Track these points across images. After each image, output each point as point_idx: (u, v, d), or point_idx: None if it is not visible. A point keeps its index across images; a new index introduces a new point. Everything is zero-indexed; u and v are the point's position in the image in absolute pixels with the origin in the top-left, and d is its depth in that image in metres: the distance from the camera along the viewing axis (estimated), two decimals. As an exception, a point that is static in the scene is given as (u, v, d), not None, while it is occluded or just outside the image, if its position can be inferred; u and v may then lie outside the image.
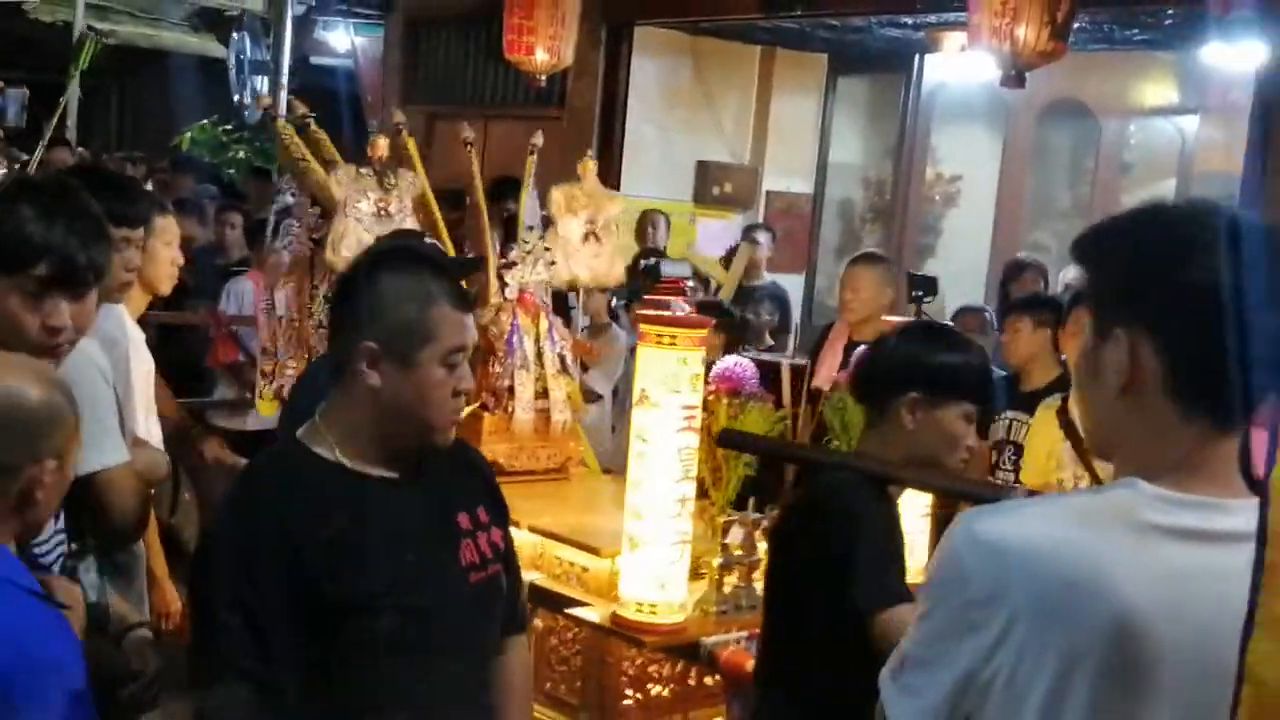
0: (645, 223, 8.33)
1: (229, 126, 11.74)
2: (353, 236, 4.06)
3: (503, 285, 4.26)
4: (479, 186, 4.44)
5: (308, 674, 2.06)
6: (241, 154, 11.53)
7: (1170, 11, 6.86)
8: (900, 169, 9.37)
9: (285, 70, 11.37)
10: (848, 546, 2.56)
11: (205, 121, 11.84)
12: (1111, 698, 1.42)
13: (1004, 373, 5.46)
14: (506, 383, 4.23)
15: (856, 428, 3.35)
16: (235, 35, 11.63)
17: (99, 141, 12.72)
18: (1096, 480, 4.12)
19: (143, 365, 3.47)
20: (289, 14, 11.28)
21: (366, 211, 4.12)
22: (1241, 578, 1.20)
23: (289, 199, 4.30)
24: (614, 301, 6.25)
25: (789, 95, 9.43)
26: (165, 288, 3.78)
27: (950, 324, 3.61)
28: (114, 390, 2.86)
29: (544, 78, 8.33)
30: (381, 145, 4.27)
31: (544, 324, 4.35)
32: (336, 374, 2.21)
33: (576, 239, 4.50)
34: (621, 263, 4.75)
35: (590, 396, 6.01)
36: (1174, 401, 1.46)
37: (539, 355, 4.32)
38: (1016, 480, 4.74)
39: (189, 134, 12.14)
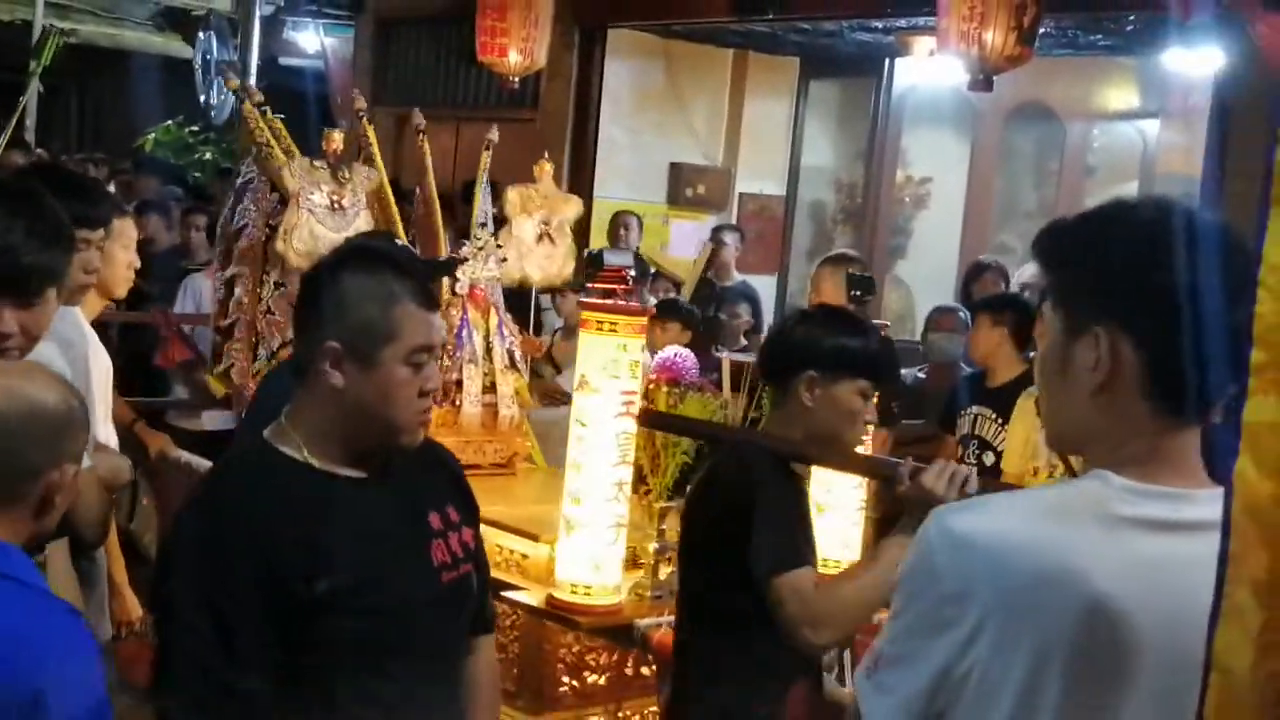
0: (617, 224, 8.44)
1: (195, 128, 11.72)
2: (305, 228, 4.13)
3: (454, 281, 4.31)
4: (431, 180, 4.48)
5: (276, 675, 2.07)
6: (208, 155, 11.50)
7: (1132, 17, 6.97)
8: (871, 171, 9.48)
9: (253, 71, 11.38)
10: (746, 514, 2.69)
11: (170, 122, 11.81)
12: (1084, 689, 1.44)
13: (972, 370, 5.59)
14: (455, 376, 4.29)
15: None
16: (201, 35, 11.62)
17: (59, 143, 12.66)
18: (1071, 470, 4.22)
19: (101, 369, 3.44)
20: (257, 14, 11.28)
21: (319, 204, 4.18)
22: (1207, 567, 1.22)
23: (249, 175, 4.36)
24: None
25: (761, 98, 9.55)
26: (121, 291, 3.78)
27: (847, 308, 3.78)
28: None
29: (517, 80, 8.39)
30: (336, 139, 4.33)
31: (493, 320, 4.43)
32: (300, 374, 2.22)
33: (531, 239, 4.60)
34: (573, 263, 4.84)
35: (563, 398, 6.10)
36: (1147, 397, 1.49)
37: (488, 350, 4.40)
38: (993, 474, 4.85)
39: (153, 135, 12.11)
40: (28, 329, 2.47)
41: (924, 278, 9.55)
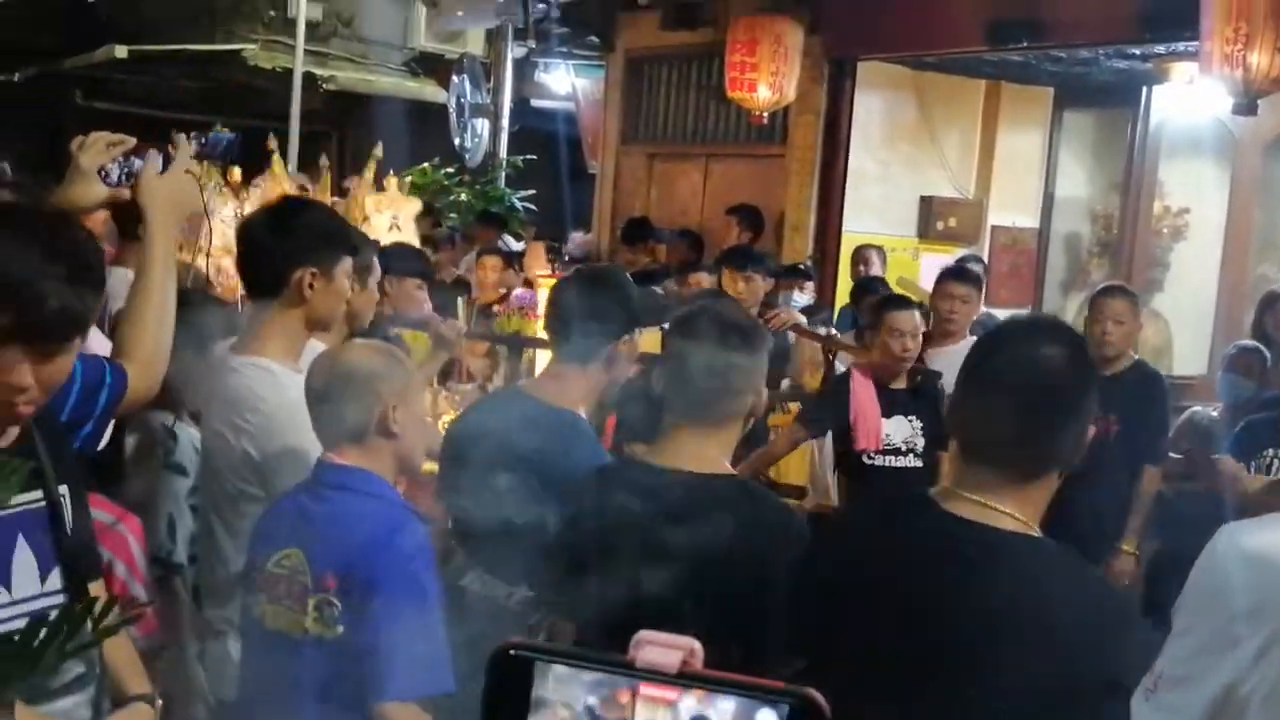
0: (858, 259, 8.93)
1: (450, 170, 12.67)
2: (217, 235, 5.50)
3: None
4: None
5: None
6: (463, 197, 12.41)
7: (1404, 37, 7.18)
8: (1127, 202, 9.77)
9: (505, 113, 12.37)
10: None
11: (425, 165, 12.84)
12: None
13: (1270, 412, 5.43)
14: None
15: None
16: (455, 79, 12.63)
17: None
18: None
19: None
20: (509, 56, 12.28)
21: (228, 215, 5.94)
22: None
23: None
24: None
25: (1014, 129, 10.01)
26: (366, 321, 4.35)
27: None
28: None
29: (766, 115, 9.11)
30: (235, 174, 6.47)
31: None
32: None
33: (384, 230, 6.61)
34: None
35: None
36: None
37: None
38: None
39: (409, 178, 13.14)
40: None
41: (1182, 311, 9.76)
